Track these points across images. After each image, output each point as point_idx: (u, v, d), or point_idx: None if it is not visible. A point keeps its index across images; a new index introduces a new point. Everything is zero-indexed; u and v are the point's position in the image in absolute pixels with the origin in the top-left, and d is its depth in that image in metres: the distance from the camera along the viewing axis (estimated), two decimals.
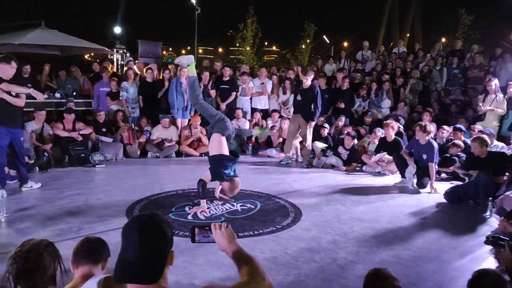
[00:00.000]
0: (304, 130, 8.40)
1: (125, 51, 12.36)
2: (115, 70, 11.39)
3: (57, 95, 9.13)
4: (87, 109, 9.66)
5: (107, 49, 11.46)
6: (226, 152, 5.29)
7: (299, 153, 9.01)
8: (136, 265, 1.48)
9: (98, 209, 5.27)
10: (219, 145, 5.31)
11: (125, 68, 10.09)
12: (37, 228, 4.53)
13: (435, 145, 6.76)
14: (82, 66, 11.42)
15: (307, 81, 8.23)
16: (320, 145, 8.76)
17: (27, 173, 6.00)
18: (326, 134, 9.12)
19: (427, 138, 6.69)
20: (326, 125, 9.35)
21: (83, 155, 7.82)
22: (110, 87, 9.45)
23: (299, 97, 8.44)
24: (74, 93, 9.52)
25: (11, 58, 5.31)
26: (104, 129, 8.75)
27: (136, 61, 10.36)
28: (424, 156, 6.65)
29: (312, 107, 8.25)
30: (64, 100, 9.05)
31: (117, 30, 12.74)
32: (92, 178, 7.00)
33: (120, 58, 12.13)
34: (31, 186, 6.00)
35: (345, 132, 8.62)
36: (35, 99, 8.57)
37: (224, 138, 5.40)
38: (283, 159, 8.69)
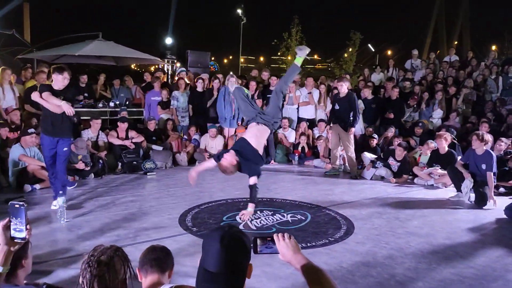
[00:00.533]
0: (344, 140, 8.23)
1: (175, 61, 12.68)
2: (165, 80, 11.71)
3: (112, 104, 9.48)
4: (138, 118, 9.96)
5: (159, 59, 11.83)
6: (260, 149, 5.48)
7: (346, 164, 8.88)
8: (218, 275, 1.49)
9: (152, 216, 5.40)
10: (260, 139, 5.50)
11: (176, 78, 10.33)
12: (95, 234, 4.69)
13: (494, 154, 6.48)
14: (131, 76, 11.80)
15: (343, 88, 8.08)
16: (369, 155, 8.59)
17: (60, 190, 5.45)
18: (375, 145, 8.94)
19: (484, 148, 6.41)
20: (375, 136, 9.15)
21: (135, 162, 8.06)
22: (161, 96, 9.70)
23: (337, 106, 8.32)
24: (127, 102, 9.86)
25: (64, 69, 5.30)
26: (154, 138, 8.99)
27: (187, 71, 10.59)
28: (483, 166, 6.37)
29: (351, 114, 8.07)
30: (117, 109, 9.39)
31: (168, 41, 13.11)
32: (144, 186, 7.19)
33: (170, 68, 12.46)
34: (56, 206, 5.39)
35: (396, 143, 8.40)
36: (92, 107, 9.09)
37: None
38: (329, 170, 8.58)
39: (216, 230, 1.60)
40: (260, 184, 7.42)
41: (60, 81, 5.26)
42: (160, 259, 2.29)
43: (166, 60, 12.44)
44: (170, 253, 2.38)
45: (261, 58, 51.86)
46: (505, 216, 5.72)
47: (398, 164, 8.03)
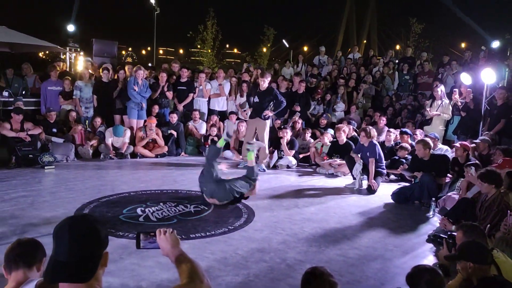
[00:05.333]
0: (261, 133, 8.42)
1: (78, 49, 11.99)
2: (67, 69, 11.03)
3: (5, 93, 8.74)
4: (37, 109, 9.29)
5: (59, 47, 11.07)
6: None
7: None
8: (67, 264, 1.46)
9: (44, 211, 5.12)
10: None
11: (81, 67, 9.79)
12: None
13: (376, 143, 7.10)
14: (36, 65, 10.95)
15: (264, 83, 8.27)
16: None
17: None
18: (289, 137, 8.89)
19: (369, 140, 6.98)
20: (287, 128, 9.15)
21: (31, 156, 7.54)
22: (63, 86, 9.15)
23: (256, 99, 8.48)
24: (24, 92, 9.14)
25: None
26: (55, 130, 8.46)
27: (92, 61, 10.07)
28: (368, 154, 6.93)
29: (273, 106, 8.21)
30: (11, 99, 8.68)
31: (71, 28, 12.30)
32: (40, 180, 6.76)
33: (73, 57, 11.76)
34: None
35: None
36: None
37: None
38: (241, 163, 8.70)
39: (67, 219, 1.56)
40: (168, 176, 7.44)
41: None
42: (25, 253, 2.17)
43: (68, 48, 11.71)
44: (38, 244, 2.26)
45: (180, 50, 51.02)
46: (392, 201, 6.25)
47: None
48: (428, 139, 6.45)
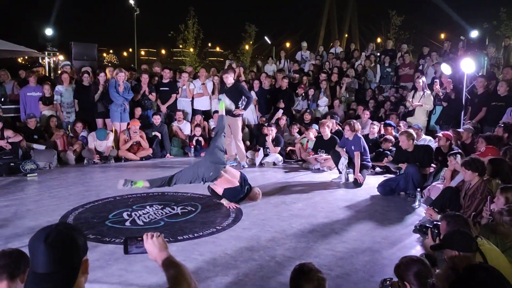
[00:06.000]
0: (234, 131, 8.26)
1: (57, 53, 11.78)
2: (46, 73, 10.84)
3: None
4: (17, 116, 9.11)
5: (37, 52, 10.84)
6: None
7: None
8: (46, 275, 1.43)
9: (28, 220, 5.03)
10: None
11: (59, 72, 9.61)
12: None
13: (361, 136, 7.15)
14: (14, 71, 10.74)
15: (228, 79, 8.15)
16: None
17: None
18: (274, 135, 8.84)
19: (354, 133, 7.02)
20: (272, 126, 9.06)
21: (12, 164, 7.39)
22: (43, 91, 8.98)
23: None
24: (2, 99, 8.96)
25: None
26: (35, 136, 8.31)
27: (71, 65, 9.90)
28: (353, 148, 6.97)
29: (241, 101, 8.00)
30: None
31: (48, 32, 12.07)
32: (22, 188, 6.62)
33: (52, 62, 11.55)
34: None
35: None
36: None
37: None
38: (229, 162, 8.63)
39: (42, 229, 1.52)
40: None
41: None
42: (7, 265, 2.13)
43: (46, 53, 11.50)
44: (22, 254, 2.22)
45: (162, 51, 50.64)
46: (378, 193, 6.30)
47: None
48: (411, 130, 6.52)
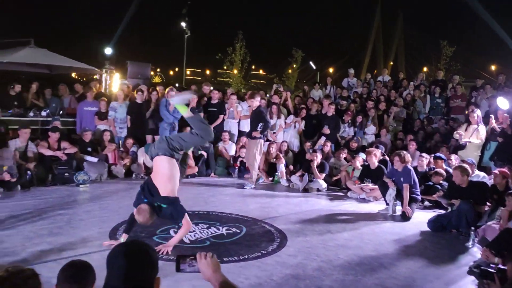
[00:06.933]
0: (252, 152, 8.49)
1: (113, 71, 12.36)
2: (102, 90, 11.38)
3: (44, 113, 9.07)
4: (73, 128, 9.57)
5: (96, 69, 11.45)
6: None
7: (284, 177, 9.09)
8: None
9: (80, 230, 5.19)
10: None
11: (116, 89, 10.09)
12: (16, 249, 4.42)
13: (411, 168, 6.96)
14: (69, 85, 11.36)
15: (254, 103, 8.39)
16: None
17: None
18: (319, 161, 8.74)
19: (403, 164, 6.85)
20: (317, 151, 8.97)
21: (67, 174, 7.71)
22: (99, 106, 9.42)
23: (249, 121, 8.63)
24: (61, 112, 9.46)
25: None
26: (89, 149, 8.67)
27: (126, 82, 10.36)
28: (402, 179, 6.80)
29: (260, 125, 8.33)
30: (49, 119, 8.99)
31: (108, 51, 12.76)
32: (75, 198, 6.89)
33: (108, 78, 12.13)
34: None
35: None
36: (22, 116, 8.66)
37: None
38: (247, 185, 8.62)
39: (120, 245, 1.58)
40: (199, 197, 7.47)
41: None
42: (78, 275, 2.18)
43: (104, 70, 12.11)
44: (91, 268, 2.28)
45: (207, 71, 51.82)
46: (428, 229, 6.07)
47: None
48: (466, 166, 6.27)
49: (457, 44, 19.80)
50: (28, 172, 7.25)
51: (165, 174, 4.52)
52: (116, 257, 1.52)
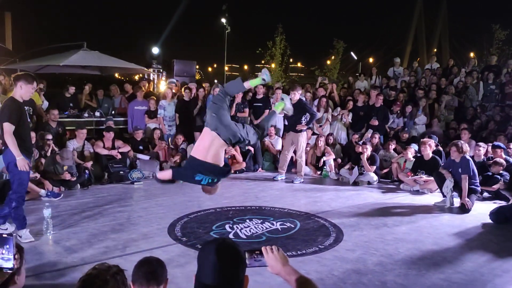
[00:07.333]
0: (296, 146, 8.52)
1: (161, 70, 12.65)
2: (151, 89, 11.68)
3: (97, 113, 9.41)
4: (124, 127, 9.88)
5: (145, 68, 11.77)
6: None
7: (333, 170, 8.99)
8: (215, 287, 1.49)
9: (140, 226, 5.35)
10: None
11: (164, 88, 10.31)
12: (83, 245, 4.62)
13: (470, 158, 6.70)
14: (118, 86, 11.74)
15: (295, 96, 8.24)
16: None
17: (7, 215, 4.81)
18: (369, 153, 8.53)
19: (461, 155, 6.59)
20: (367, 143, 8.73)
21: (122, 172, 7.98)
22: (148, 105, 9.68)
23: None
24: (113, 112, 9.79)
25: (34, 78, 4.67)
26: (141, 147, 8.92)
27: (176, 81, 10.56)
28: (460, 170, 6.56)
29: (304, 117, 8.26)
30: (103, 119, 9.32)
31: (155, 50, 13.07)
32: (132, 196, 7.12)
33: (156, 77, 12.43)
34: (6, 229, 4.83)
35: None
36: (78, 117, 9.02)
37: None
38: (276, 175, 8.61)
39: (211, 242, 1.60)
40: (249, 192, 7.53)
41: (29, 90, 4.61)
42: (155, 272, 2.24)
43: (152, 70, 12.41)
44: (164, 265, 2.34)
45: (245, 66, 52.05)
46: (490, 221, 5.83)
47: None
48: None
49: (510, 28, 18.72)
50: (86, 171, 7.55)
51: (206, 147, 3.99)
52: (208, 253, 1.54)
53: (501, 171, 7.13)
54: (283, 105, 4.81)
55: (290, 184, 8.33)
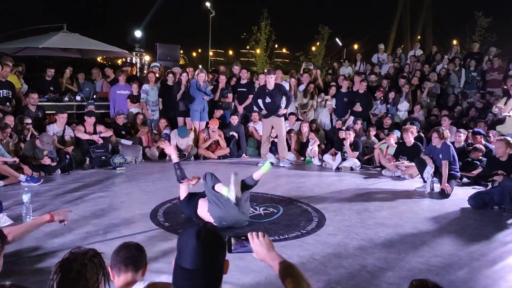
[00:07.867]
0: (279, 131, 8.60)
1: (143, 53, 12.43)
2: (134, 73, 11.49)
3: (78, 98, 9.25)
4: (106, 112, 9.73)
5: (127, 52, 11.55)
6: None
7: (317, 156, 9.03)
8: (195, 272, 1.48)
9: (122, 212, 5.32)
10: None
11: (145, 71, 10.15)
12: (63, 231, 4.53)
13: (450, 144, 6.79)
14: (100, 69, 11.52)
15: (272, 80, 8.31)
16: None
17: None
18: (352, 139, 8.64)
19: (442, 141, 6.69)
20: (350, 130, 8.82)
21: (103, 157, 7.89)
22: (131, 90, 9.53)
23: (268, 99, 8.48)
24: (94, 96, 9.62)
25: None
26: (123, 132, 8.81)
27: (158, 64, 10.41)
28: (441, 156, 6.65)
29: (283, 100, 8.46)
30: (84, 103, 9.16)
31: (138, 34, 12.81)
32: (114, 181, 7.05)
33: (138, 61, 12.22)
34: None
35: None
36: (58, 101, 8.84)
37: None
38: (260, 161, 8.62)
39: (191, 226, 1.58)
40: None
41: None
42: (133, 257, 2.23)
43: (134, 53, 12.18)
44: (143, 250, 2.33)
45: (230, 52, 51.69)
46: (468, 206, 5.94)
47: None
48: (510, 138, 6.06)
49: (493, 15, 18.94)
50: (67, 156, 7.43)
51: None
52: (188, 238, 1.52)
53: (480, 157, 7.25)
54: (270, 166, 5.12)
55: (274, 170, 8.32)
